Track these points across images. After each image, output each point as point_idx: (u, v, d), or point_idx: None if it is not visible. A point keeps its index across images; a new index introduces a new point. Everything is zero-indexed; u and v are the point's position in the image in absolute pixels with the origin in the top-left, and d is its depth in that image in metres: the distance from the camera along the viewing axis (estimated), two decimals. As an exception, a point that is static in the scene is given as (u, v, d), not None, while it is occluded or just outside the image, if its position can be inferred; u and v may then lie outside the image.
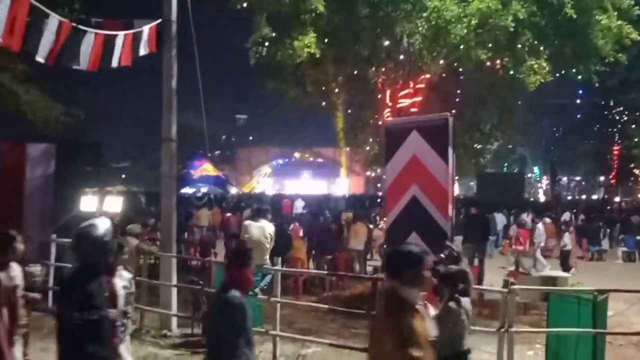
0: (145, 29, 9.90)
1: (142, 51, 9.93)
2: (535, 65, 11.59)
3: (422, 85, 13.15)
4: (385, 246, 9.80)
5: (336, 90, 15.01)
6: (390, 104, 13.35)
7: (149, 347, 8.46)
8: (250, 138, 66.21)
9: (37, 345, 7.45)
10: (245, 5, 12.02)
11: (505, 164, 58.75)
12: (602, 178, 59.14)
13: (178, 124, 10.43)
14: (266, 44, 12.24)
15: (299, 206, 30.13)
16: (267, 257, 9.61)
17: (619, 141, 52.85)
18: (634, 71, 36.48)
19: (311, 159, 55.30)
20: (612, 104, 51.33)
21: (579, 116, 57.84)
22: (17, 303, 5.68)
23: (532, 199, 48.83)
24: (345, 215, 19.01)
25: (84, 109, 16.92)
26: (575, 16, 10.92)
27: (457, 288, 5.15)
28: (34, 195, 8.99)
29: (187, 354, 8.53)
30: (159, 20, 10.18)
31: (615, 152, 53.09)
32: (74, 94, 21.05)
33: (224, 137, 66.18)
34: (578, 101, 52.59)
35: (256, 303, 8.21)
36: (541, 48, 11.80)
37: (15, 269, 5.76)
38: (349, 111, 16.45)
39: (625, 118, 51.25)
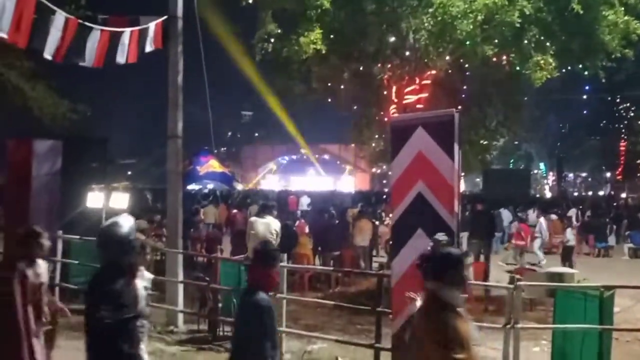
0: (151, 26, 9.92)
1: (148, 48, 9.97)
2: (542, 61, 11.52)
3: (428, 82, 13.09)
4: (390, 242, 9.78)
5: (342, 86, 14.96)
6: (396, 100, 13.30)
7: (155, 343, 8.48)
8: (256, 134, 66.16)
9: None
10: (250, 1, 12.01)
11: (512, 160, 58.59)
12: (608, 174, 58.92)
13: (184, 120, 10.45)
14: (272, 40, 12.23)
15: (304, 203, 30.16)
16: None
17: (626, 137, 52.67)
18: (641, 67, 36.25)
19: (316, 155, 55.20)
20: (618, 99, 51.15)
21: (585, 112, 57.47)
22: (42, 300, 5.64)
23: (538, 195, 48.65)
24: (352, 212, 19.04)
25: (91, 105, 17.00)
26: (581, 11, 10.83)
27: None
28: (40, 192, 9.01)
29: (193, 350, 8.57)
30: (165, 17, 10.21)
31: (622, 148, 52.90)
32: (80, 91, 21.05)
33: (229, 133, 66.22)
34: (584, 97, 52.25)
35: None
36: (547, 44, 11.73)
37: (42, 266, 5.71)
38: (355, 107, 16.36)
39: (632, 114, 51.05)
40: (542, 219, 19.18)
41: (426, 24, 11.11)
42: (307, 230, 15.99)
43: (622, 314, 9.77)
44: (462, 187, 21.84)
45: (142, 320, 4.71)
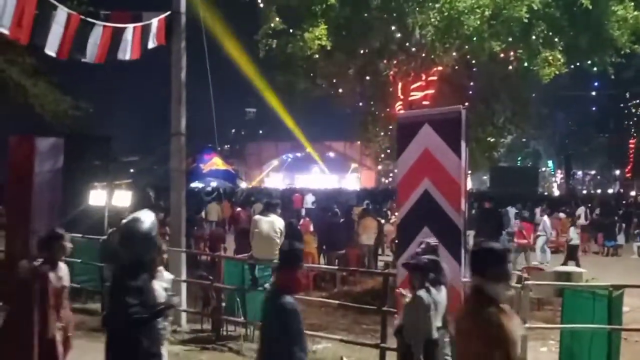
0: (154, 22, 9.85)
1: (151, 44, 9.90)
2: (550, 57, 11.40)
3: (435, 78, 12.98)
4: (396, 241, 9.67)
5: (347, 83, 14.85)
6: (402, 96, 13.19)
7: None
8: (260, 132, 66.02)
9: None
10: (255, -3, 11.94)
11: (519, 158, 58.27)
12: (617, 172, 58.47)
13: (187, 118, 10.38)
14: (276, 36, 12.12)
15: (309, 201, 30.08)
16: (277, 252, 9.51)
17: (635, 134, 52.24)
18: (650, 63, 35.93)
19: (322, 153, 55.02)
20: (627, 96, 50.74)
21: (594, 109, 57.10)
22: (62, 304, 5.54)
23: (546, 193, 48.37)
24: (357, 210, 18.93)
25: (93, 102, 16.88)
26: (590, 7, 10.70)
27: (427, 277, 5.32)
28: (42, 189, 8.92)
29: (197, 350, 8.52)
30: (168, 13, 10.13)
31: (631, 146, 52.43)
32: (82, 88, 21.02)
33: (233, 130, 66.13)
34: (593, 93, 51.92)
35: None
36: (556, 39, 11.60)
37: (63, 269, 5.61)
38: (360, 104, 16.25)
39: (642, 110, 50.66)
40: (545, 217, 19.06)
41: (432, 19, 10.98)
42: (311, 228, 15.89)
43: (631, 314, 9.64)
44: (469, 184, 21.68)
45: (164, 321, 4.61)
